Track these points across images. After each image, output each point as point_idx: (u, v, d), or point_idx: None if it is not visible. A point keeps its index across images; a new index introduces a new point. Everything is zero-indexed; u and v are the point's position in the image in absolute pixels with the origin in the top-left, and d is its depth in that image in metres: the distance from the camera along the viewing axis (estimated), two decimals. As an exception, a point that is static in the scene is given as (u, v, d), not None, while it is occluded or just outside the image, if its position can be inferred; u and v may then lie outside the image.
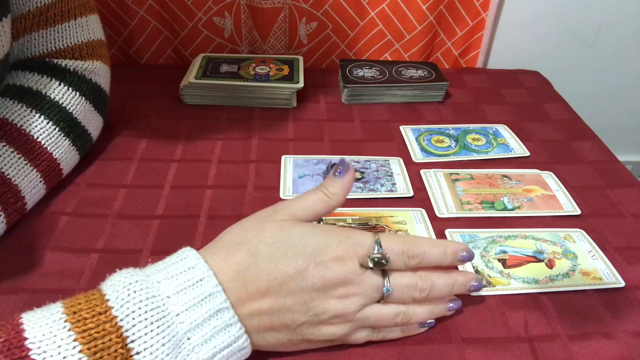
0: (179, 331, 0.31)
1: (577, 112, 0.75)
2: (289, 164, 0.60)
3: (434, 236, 0.50)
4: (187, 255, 0.34)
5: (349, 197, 0.55)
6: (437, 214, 0.54)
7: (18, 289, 0.42)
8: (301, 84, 0.70)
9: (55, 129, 0.50)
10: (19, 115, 0.48)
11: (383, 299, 0.37)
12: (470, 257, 0.39)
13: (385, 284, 0.37)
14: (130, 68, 0.81)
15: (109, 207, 0.52)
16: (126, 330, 0.30)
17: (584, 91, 0.95)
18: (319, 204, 0.38)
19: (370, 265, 0.37)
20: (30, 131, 0.48)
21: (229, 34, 0.81)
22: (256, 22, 0.80)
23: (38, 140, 0.49)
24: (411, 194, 0.56)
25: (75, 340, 0.28)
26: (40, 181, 0.49)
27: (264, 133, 0.65)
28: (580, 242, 0.51)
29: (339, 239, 0.36)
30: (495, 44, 0.87)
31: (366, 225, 0.51)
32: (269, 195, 0.55)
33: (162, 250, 0.47)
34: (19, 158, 0.47)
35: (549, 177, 0.60)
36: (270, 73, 0.72)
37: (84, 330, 0.29)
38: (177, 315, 0.31)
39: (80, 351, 0.28)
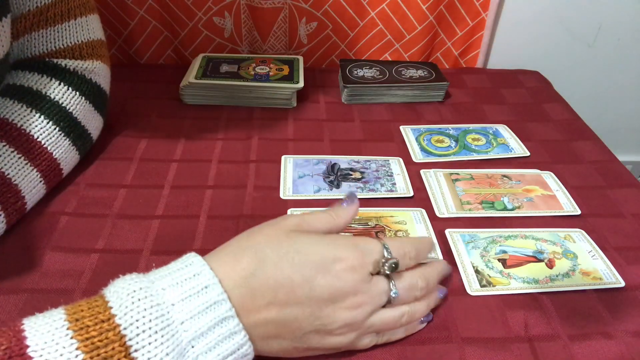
0: (183, 340, 0.31)
1: (577, 112, 0.75)
2: (289, 164, 0.60)
3: (434, 236, 0.50)
4: (192, 262, 0.34)
5: (349, 197, 0.55)
6: (437, 214, 0.54)
7: (18, 289, 0.42)
8: (301, 84, 0.70)
9: (55, 128, 0.50)
10: (19, 115, 0.48)
11: (389, 303, 0.37)
12: (431, 245, 0.43)
13: (392, 288, 0.37)
14: (130, 68, 0.81)
15: (109, 207, 0.52)
16: (129, 339, 0.29)
17: (584, 91, 0.95)
18: (324, 222, 0.38)
19: (387, 271, 0.37)
20: (30, 131, 0.48)
21: (229, 34, 0.81)
22: (256, 22, 0.80)
23: (38, 140, 0.49)
24: (411, 194, 0.56)
25: (77, 348, 0.28)
26: (40, 181, 0.49)
27: (264, 133, 0.65)
28: (580, 242, 0.51)
29: (348, 248, 0.36)
30: (495, 44, 0.87)
31: (366, 225, 0.51)
32: (269, 195, 0.55)
33: (162, 250, 0.47)
34: (19, 158, 0.47)
35: (549, 177, 0.60)
36: (270, 73, 0.72)
37: (87, 339, 0.28)
38: (182, 323, 0.31)
39: None
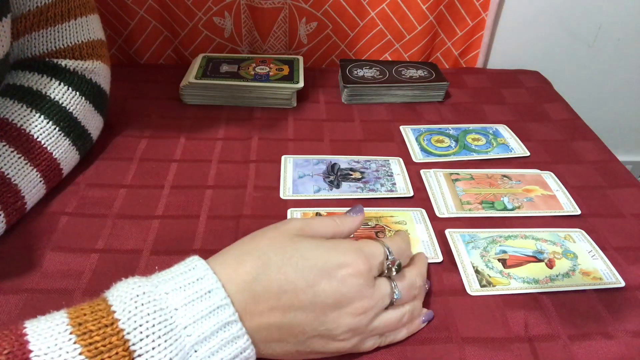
0: (187, 344, 0.30)
1: (577, 112, 0.75)
2: (289, 164, 0.60)
3: (434, 237, 0.50)
4: (195, 265, 0.34)
5: (349, 197, 0.56)
6: (437, 214, 0.54)
7: (18, 289, 0.42)
8: (301, 84, 0.70)
9: (55, 128, 0.50)
10: (19, 115, 0.48)
11: (391, 304, 0.37)
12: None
13: (395, 290, 0.37)
14: (130, 68, 0.81)
15: (109, 207, 0.52)
16: (133, 344, 0.29)
17: (584, 91, 0.95)
18: (328, 227, 0.38)
19: (394, 272, 0.37)
20: (30, 131, 0.48)
21: (229, 34, 0.81)
22: (256, 22, 0.80)
23: (38, 140, 0.49)
24: (411, 194, 0.56)
25: (81, 353, 0.28)
26: (40, 181, 0.49)
27: (264, 133, 0.65)
28: (580, 242, 0.51)
29: (353, 253, 0.36)
30: (495, 44, 0.87)
31: (366, 225, 0.51)
32: (269, 195, 0.55)
33: (162, 250, 0.47)
34: (19, 158, 0.47)
35: (549, 177, 0.60)
36: (270, 73, 0.72)
37: (90, 344, 0.28)
38: (185, 327, 0.31)
39: None
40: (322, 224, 0.38)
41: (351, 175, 0.58)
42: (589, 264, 0.48)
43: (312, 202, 0.54)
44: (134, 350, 0.29)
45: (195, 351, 0.31)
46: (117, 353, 0.29)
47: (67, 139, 0.52)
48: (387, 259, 0.37)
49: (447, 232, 0.51)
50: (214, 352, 0.31)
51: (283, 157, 0.61)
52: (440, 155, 0.63)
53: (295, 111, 0.71)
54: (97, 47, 0.56)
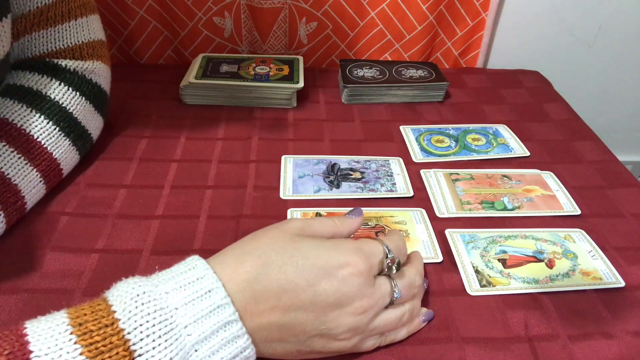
0: (187, 344, 0.30)
1: (577, 112, 0.75)
2: (289, 164, 0.60)
3: (434, 237, 0.50)
4: (195, 265, 0.34)
5: (349, 197, 0.56)
6: (437, 214, 0.54)
7: (18, 289, 0.42)
8: (301, 84, 0.70)
9: (55, 129, 0.50)
10: (19, 115, 0.48)
11: (391, 303, 0.37)
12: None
13: (395, 289, 0.37)
14: (130, 68, 0.81)
15: (109, 207, 0.52)
16: (133, 344, 0.29)
17: (584, 91, 0.95)
18: (328, 228, 0.38)
19: (394, 271, 0.37)
20: (30, 131, 0.48)
21: (229, 34, 0.81)
22: (256, 22, 0.80)
23: (38, 140, 0.49)
24: (411, 194, 0.56)
25: (81, 353, 0.28)
26: (40, 181, 0.49)
27: (264, 133, 0.65)
28: (580, 242, 0.51)
29: (353, 252, 0.36)
30: (495, 44, 0.87)
31: (366, 225, 0.51)
32: (269, 195, 0.55)
33: (162, 250, 0.47)
34: (19, 158, 0.47)
35: (549, 177, 0.60)
36: (270, 73, 0.72)
37: (91, 343, 0.28)
38: (185, 327, 0.31)
39: None
40: (322, 224, 0.38)
41: (351, 175, 0.58)
42: (589, 264, 0.48)
43: (312, 202, 0.54)
44: (134, 350, 0.29)
45: (196, 350, 0.31)
46: (117, 353, 0.29)
47: (67, 139, 0.52)
48: (387, 257, 0.37)
49: (447, 232, 0.51)
50: (214, 352, 0.31)
51: (283, 157, 0.61)
52: (440, 155, 0.63)
53: (295, 111, 0.71)
54: (97, 47, 0.56)
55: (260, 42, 0.82)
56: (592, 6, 0.85)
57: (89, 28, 0.54)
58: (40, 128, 0.49)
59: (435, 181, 0.58)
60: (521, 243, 0.50)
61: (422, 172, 0.60)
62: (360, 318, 0.35)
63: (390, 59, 0.85)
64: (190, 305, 0.31)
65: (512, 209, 0.55)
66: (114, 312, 0.30)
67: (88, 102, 0.54)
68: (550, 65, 0.88)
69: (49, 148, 0.49)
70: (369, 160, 0.61)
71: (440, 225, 0.52)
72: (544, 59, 0.89)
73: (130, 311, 0.30)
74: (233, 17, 0.80)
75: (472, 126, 0.70)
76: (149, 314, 0.30)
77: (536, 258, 0.49)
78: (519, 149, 0.65)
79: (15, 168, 0.46)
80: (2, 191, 0.45)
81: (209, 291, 0.32)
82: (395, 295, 0.37)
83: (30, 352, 0.27)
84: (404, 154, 0.63)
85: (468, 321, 0.42)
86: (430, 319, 0.42)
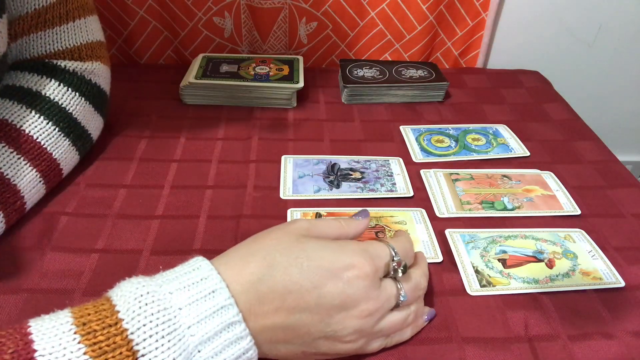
0: (190, 344, 0.30)
1: (577, 112, 0.75)
2: (289, 164, 0.60)
3: (434, 237, 0.50)
4: (199, 266, 0.34)
5: (349, 197, 0.56)
6: (437, 214, 0.54)
7: (18, 289, 0.42)
8: (301, 84, 0.70)
9: (55, 129, 0.50)
10: (19, 116, 0.48)
11: (397, 306, 0.37)
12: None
13: (401, 292, 0.37)
14: (130, 68, 0.81)
15: (109, 207, 0.52)
16: (137, 344, 0.29)
17: (584, 91, 0.95)
18: (334, 229, 0.38)
19: (400, 273, 0.37)
20: (29, 132, 0.48)
21: (229, 34, 0.81)
22: (256, 22, 0.80)
23: (38, 140, 0.49)
24: (411, 194, 0.56)
25: (85, 353, 0.28)
26: (40, 181, 0.49)
27: (264, 133, 0.65)
28: (580, 242, 0.51)
29: (359, 254, 0.35)
30: (495, 44, 0.87)
31: (366, 225, 0.51)
32: (269, 195, 0.55)
33: (162, 250, 0.47)
34: (19, 158, 0.47)
35: (549, 177, 0.60)
36: (270, 73, 0.72)
37: (94, 343, 0.28)
38: (189, 327, 0.31)
39: None
40: (328, 225, 0.38)
41: (351, 175, 0.58)
42: (589, 264, 0.48)
43: (312, 202, 0.54)
44: (138, 350, 0.29)
45: (199, 351, 0.31)
46: (120, 353, 0.29)
47: (67, 139, 0.52)
48: (393, 260, 0.37)
49: (447, 232, 0.51)
50: (217, 353, 0.31)
51: (283, 157, 0.61)
52: (440, 155, 0.63)
53: (295, 111, 0.71)
54: (96, 48, 0.56)
55: (260, 42, 0.82)
56: (592, 6, 0.85)
57: (87, 29, 0.54)
58: (40, 129, 0.49)
59: (435, 181, 0.58)
60: (521, 243, 0.50)
61: (422, 172, 0.60)
62: (365, 321, 0.35)
63: (390, 59, 0.85)
64: (194, 305, 0.31)
65: (512, 209, 0.55)
66: (118, 311, 0.30)
67: (87, 103, 0.54)
68: (550, 65, 0.88)
69: (48, 148, 0.49)
70: (369, 160, 0.61)
71: (440, 225, 0.52)
72: (544, 59, 0.89)
73: (133, 311, 0.30)
74: (233, 17, 0.80)
75: (472, 126, 0.70)
76: (152, 314, 0.30)
77: (536, 258, 0.49)
78: (519, 149, 0.65)
79: (14, 168, 0.46)
80: (1, 191, 0.45)
81: (213, 292, 0.32)
82: (401, 299, 0.37)
83: (34, 350, 0.27)
84: (404, 154, 0.63)
85: (468, 321, 0.42)
86: (433, 317, 0.42)
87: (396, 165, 0.61)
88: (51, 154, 0.50)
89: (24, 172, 0.47)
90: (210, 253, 0.47)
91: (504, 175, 0.60)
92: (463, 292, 0.45)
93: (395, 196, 0.56)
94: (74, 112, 0.52)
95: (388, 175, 0.59)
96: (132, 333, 0.29)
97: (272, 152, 0.62)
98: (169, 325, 0.30)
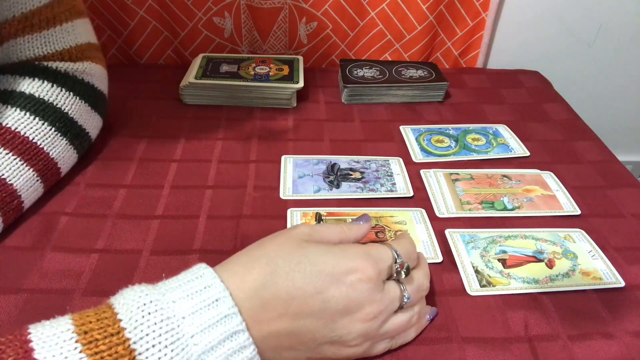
0: (193, 354, 0.30)
1: (577, 112, 0.75)
2: (288, 164, 0.60)
3: (434, 237, 0.50)
4: (203, 274, 0.33)
5: (349, 197, 0.55)
6: (437, 214, 0.54)
7: (18, 289, 0.42)
8: (301, 84, 0.70)
9: (51, 129, 0.50)
10: (13, 118, 0.48)
11: (400, 308, 0.37)
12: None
13: (405, 294, 0.37)
14: (130, 68, 0.81)
15: (108, 207, 0.52)
16: (139, 354, 0.29)
17: (584, 91, 0.95)
18: (336, 233, 0.38)
19: (403, 275, 0.37)
20: (25, 133, 0.48)
21: (229, 34, 0.81)
22: (256, 22, 0.80)
23: (34, 141, 0.49)
24: (411, 194, 0.56)
25: None
26: (37, 180, 0.49)
27: (264, 133, 0.65)
28: (580, 242, 0.51)
29: (361, 257, 0.35)
30: (495, 44, 0.87)
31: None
32: (268, 195, 0.55)
33: (161, 250, 0.47)
34: (14, 159, 0.47)
35: (549, 177, 0.60)
36: (270, 73, 0.72)
37: (96, 352, 0.28)
38: (192, 337, 0.30)
39: None
40: (329, 230, 0.38)
41: (351, 175, 0.58)
42: (589, 264, 0.48)
43: (312, 202, 0.54)
44: None
45: None
46: None
47: (64, 139, 0.52)
48: (395, 262, 0.37)
49: (447, 232, 0.51)
50: None
51: (283, 157, 0.61)
52: (440, 155, 0.63)
53: (295, 111, 0.71)
54: (85, 50, 0.55)
55: (260, 42, 0.82)
56: (592, 6, 0.85)
57: (76, 32, 0.54)
58: (36, 129, 0.49)
59: (435, 181, 0.58)
60: (521, 243, 0.50)
61: (422, 172, 0.60)
62: (370, 324, 0.35)
63: (390, 59, 0.85)
64: (197, 314, 0.31)
65: (512, 209, 0.55)
66: (120, 320, 0.30)
67: (83, 102, 0.54)
68: (550, 65, 0.88)
69: (45, 148, 0.49)
70: (368, 160, 0.61)
71: (440, 225, 0.52)
72: (544, 59, 0.89)
73: (136, 320, 0.29)
74: (233, 17, 0.80)
75: (472, 126, 0.70)
76: (155, 323, 0.30)
77: (536, 258, 0.49)
78: (519, 149, 0.65)
79: (10, 169, 0.46)
80: None
81: (217, 300, 0.32)
82: (405, 300, 0.37)
83: (35, 359, 0.27)
84: (404, 154, 0.63)
85: (468, 321, 0.42)
86: (435, 315, 0.42)
87: (396, 165, 0.61)
88: (48, 153, 0.50)
89: (20, 172, 0.47)
90: (210, 253, 0.47)
91: (504, 175, 0.60)
92: (463, 292, 0.45)
93: (395, 196, 0.56)
94: (69, 112, 0.52)
95: (388, 175, 0.59)
96: (134, 342, 0.29)
97: (272, 152, 0.62)
98: (172, 335, 0.30)
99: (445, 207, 0.54)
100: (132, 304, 0.30)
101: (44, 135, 0.50)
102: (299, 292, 0.33)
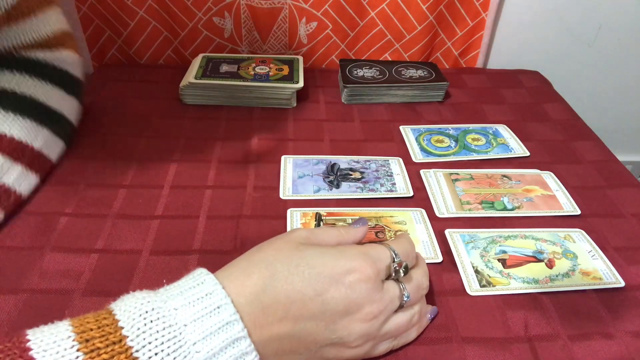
0: None
1: (577, 112, 0.75)
2: (288, 164, 0.60)
3: (434, 237, 0.50)
4: (204, 280, 0.33)
5: (348, 197, 0.55)
6: (437, 214, 0.54)
7: (18, 289, 0.42)
8: (301, 84, 0.70)
9: (32, 123, 0.51)
10: None
11: (401, 307, 0.37)
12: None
13: (404, 292, 0.37)
14: (130, 68, 0.81)
15: (108, 207, 0.52)
16: None
17: (584, 91, 0.95)
18: (333, 236, 0.38)
19: (402, 275, 0.37)
20: (9, 133, 0.49)
21: (229, 34, 0.81)
22: (256, 22, 0.80)
23: (18, 139, 0.49)
24: (411, 194, 0.56)
25: None
26: (28, 171, 0.50)
27: (264, 133, 0.65)
28: (580, 242, 0.51)
29: (359, 257, 0.35)
30: (495, 44, 0.87)
31: (366, 225, 0.51)
32: (268, 195, 0.55)
33: (161, 250, 0.47)
34: (1, 161, 0.47)
35: (549, 177, 0.60)
36: (270, 73, 0.72)
37: None
38: (194, 344, 0.30)
39: None
40: (327, 233, 0.38)
41: (351, 175, 0.58)
42: (589, 264, 0.48)
43: (312, 202, 0.54)
44: None
45: None
46: None
47: (45, 128, 0.52)
48: (394, 261, 0.37)
49: (447, 232, 0.51)
50: None
51: (283, 157, 0.61)
52: (440, 155, 0.63)
53: (295, 111, 0.71)
54: (60, 38, 0.56)
55: (260, 42, 0.82)
56: (592, 6, 0.85)
57: (50, 21, 0.55)
58: (20, 127, 0.50)
59: (435, 181, 0.58)
60: (521, 243, 0.50)
61: (421, 172, 0.60)
62: (371, 324, 0.35)
63: (390, 59, 0.85)
64: (200, 321, 0.31)
65: (512, 209, 0.55)
66: (122, 328, 0.29)
67: (62, 90, 0.55)
68: (550, 65, 0.88)
69: (29, 142, 0.50)
70: (368, 160, 0.61)
71: (440, 225, 0.52)
72: (544, 59, 0.89)
73: (138, 328, 0.29)
74: (233, 17, 0.80)
75: (472, 126, 0.70)
76: (157, 331, 0.29)
77: (536, 258, 0.49)
78: (518, 149, 0.65)
79: None
80: None
81: (218, 307, 0.31)
82: (404, 299, 0.37)
83: None
84: (404, 154, 0.63)
85: (468, 321, 0.42)
86: (435, 314, 0.42)
87: (396, 165, 0.61)
88: (32, 147, 0.51)
89: (8, 170, 0.48)
90: (210, 253, 0.47)
91: (504, 175, 0.60)
92: (463, 292, 0.45)
93: (395, 196, 0.56)
94: (49, 103, 0.53)
95: (388, 175, 0.59)
96: (137, 351, 0.29)
97: (272, 152, 0.62)
98: (175, 343, 0.30)
99: (445, 207, 0.54)
100: (134, 311, 0.30)
101: (27, 131, 0.50)
102: (299, 295, 0.33)
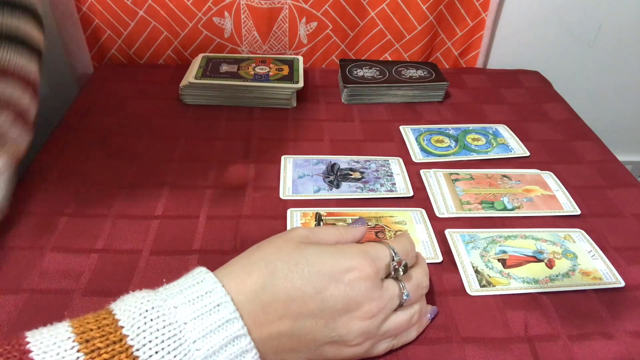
0: (196, 359, 0.30)
1: (577, 112, 0.75)
2: (288, 164, 0.60)
3: (434, 237, 0.50)
4: (203, 278, 0.33)
5: (348, 197, 0.55)
6: (437, 214, 0.54)
7: (18, 289, 0.42)
8: (301, 84, 0.70)
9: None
10: None
11: (400, 306, 0.37)
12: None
13: (404, 291, 0.37)
14: (130, 68, 0.81)
15: (108, 207, 0.52)
16: None
17: (584, 91, 0.95)
18: (332, 235, 0.38)
19: (401, 273, 0.37)
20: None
21: (229, 34, 0.81)
22: (256, 22, 0.80)
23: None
24: (411, 194, 0.56)
25: None
26: (24, 92, 0.48)
27: (264, 133, 0.65)
28: (580, 242, 0.51)
29: (358, 256, 0.35)
30: (495, 44, 0.87)
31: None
32: (268, 195, 0.55)
33: (161, 250, 0.47)
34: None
35: (549, 177, 0.60)
36: (270, 73, 0.72)
37: None
38: (194, 342, 0.30)
39: None
40: (326, 232, 0.38)
41: (351, 175, 0.58)
42: (589, 264, 0.48)
43: (312, 202, 0.54)
44: None
45: None
46: None
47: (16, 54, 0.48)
48: (393, 260, 0.37)
49: (447, 232, 0.51)
50: None
51: (283, 157, 0.61)
52: (440, 155, 0.63)
53: (295, 111, 0.71)
54: None
55: (260, 42, 0.82)
56: (592, 6, 0.85)
57: None
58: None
59: (435, 181, 0.58)
60: (521, 243, 0.50)
61: (421, 172, 0.60)
62: (370, 322, 0.35)
63: (390, 59, 0.85)
64: (199, 319, 0.31)
65: (512, 209, 0.55)
66: (122, 327, 0.29)
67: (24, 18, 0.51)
68: (550, 65, 0.88)
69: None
70: (368, 160, 0.61)
71: (440, 225, 0.52)
72: (544, 59, 0.89)
73: (138, 327, 0.29)
74: (233, 17, 0.80)
75: (472, 126, 0.70)
76: (158, 329, 0.29)
77: (536, 258, 0.49)
78: (518, 149, 0.65)
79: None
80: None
81: (218, 305, 0.32)
82: (404, 297, 0.37)
83: None
84: (404, 154, 0.63)
85: (468, 321, 0.42)
86: (436, 314, 0.42)
87: (396, 165, 0.61)
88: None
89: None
90: (210, 253, 0.47)
91: (504, 175, 0.60)
92: (463, 292, 0.45)
93: (395, 196, 0.56)
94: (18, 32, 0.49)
95: (388, 175, 0.59)
96: (137, 350, 0.29)
97: (272, 152, 0.62)
98: (175, 341, 0.30)
99: (445, 207, 0.54)
100: (134, 311, 0.30)
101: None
102: (298, 293, 0.33)
